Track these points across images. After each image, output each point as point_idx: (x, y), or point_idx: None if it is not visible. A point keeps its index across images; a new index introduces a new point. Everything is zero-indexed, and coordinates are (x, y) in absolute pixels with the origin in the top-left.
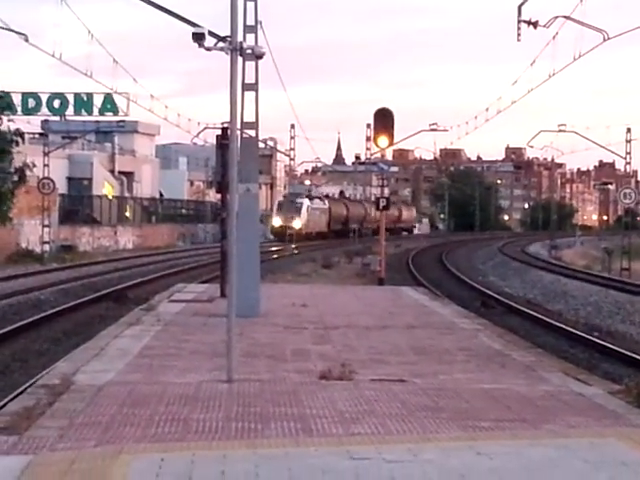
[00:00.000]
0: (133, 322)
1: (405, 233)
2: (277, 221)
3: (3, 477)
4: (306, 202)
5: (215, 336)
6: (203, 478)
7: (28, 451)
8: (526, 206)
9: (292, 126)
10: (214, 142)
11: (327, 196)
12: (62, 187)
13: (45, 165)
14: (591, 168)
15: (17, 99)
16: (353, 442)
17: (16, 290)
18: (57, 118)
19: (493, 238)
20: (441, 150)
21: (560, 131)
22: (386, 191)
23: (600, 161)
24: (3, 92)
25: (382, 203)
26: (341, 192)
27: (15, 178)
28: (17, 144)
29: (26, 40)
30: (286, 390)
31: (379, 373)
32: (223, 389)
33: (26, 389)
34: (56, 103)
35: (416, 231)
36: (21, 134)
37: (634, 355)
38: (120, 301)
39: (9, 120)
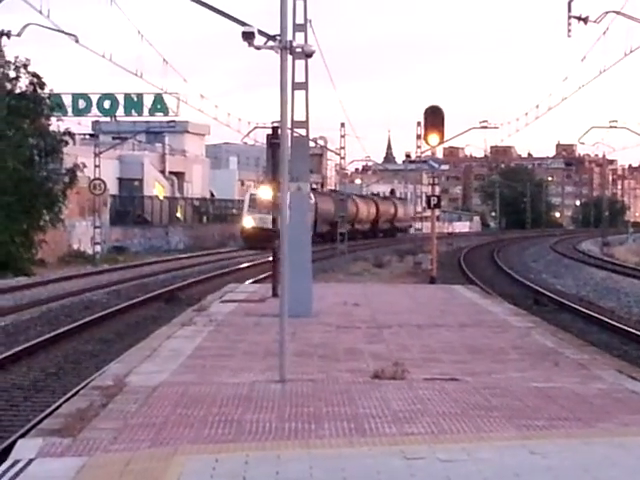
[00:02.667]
0: (185, 323)
1: (400, 234)
2: (248, 221)
3: (58, 479)
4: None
5: (267, 336)
6: (257, 479)
7: (82, 453)
8: (577, 203)
9: (342, 125)
10: (264, 141)
11: (313, 189)
12: (113, 188)
13: (96, 166)
14: None
15: (68, 100)
16: (407, 442)
17: (68, 291)
18: (108, 119)
19: (544, 235)
20: (491, 147)
21: (611, 127)
22: (437, 189)
23: None
24: (52, 93)
25: (433, 201)
26: (392, 191)
27: (66, 179)
28: (67, 144)
29: (76, 41)
30: (339, 390)
31: (432, 372)
32: (276, 389)
33: (79, 391)
34: (106, 104)
35: (465, 229)
36: (71, 134)
37: None
38: (172, 302)
39: (58, 120)
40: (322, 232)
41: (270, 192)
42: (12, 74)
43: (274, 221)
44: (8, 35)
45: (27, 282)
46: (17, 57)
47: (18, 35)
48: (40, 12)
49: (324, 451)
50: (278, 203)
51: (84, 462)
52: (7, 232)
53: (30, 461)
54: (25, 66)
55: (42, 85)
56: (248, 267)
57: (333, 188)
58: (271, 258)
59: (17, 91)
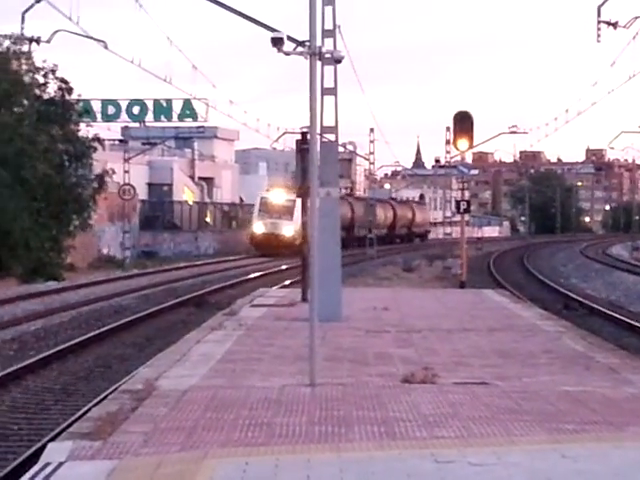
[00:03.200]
0: (215, 327)
1: (418, 240)
2: (259, 227)
3: None
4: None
5: (297, 340)
6: None
7: (112, 456)
8: (607, 208)
9: (371, 130)
10: (294, 147)
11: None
12: (142, 193)
13: (125, 171)
14: None
15: (97, 106)
16: (437, 445)
17: (98, 296)
18: (137, 124)
19: (574, 240)
20: (521, 152)
21: None
22: (466, 194)
23: None
24: (81, 99)
25: (463, 206)
26: (421, 196)
27: (95, 185)
28: (95, 150)
29: (105, 47)
30: (369, 394)
31: (462, 376)
32: (306, 393)
33: (109, 394)
34: (135, 109)
35: (494, 234)
36: (99, 140)
37: None
38: (202, 306)
39: (88, 126)
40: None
41: (283, 195)
42: (41, 80)
43: (303, 226)
44: (38, 41)
45: (57, 287)
46: (44, 61)
47: (48, 41)
48: (69, 18)
49: (354, 455)
50: (302, 208)
51: (114, 465)
52: (37, 237)
53: (60, 464)
54: (53, 72)
55: (70, 90)
56: (277, 272)
57: (348, 192)
58: (300, 263)
59: (46, 97)
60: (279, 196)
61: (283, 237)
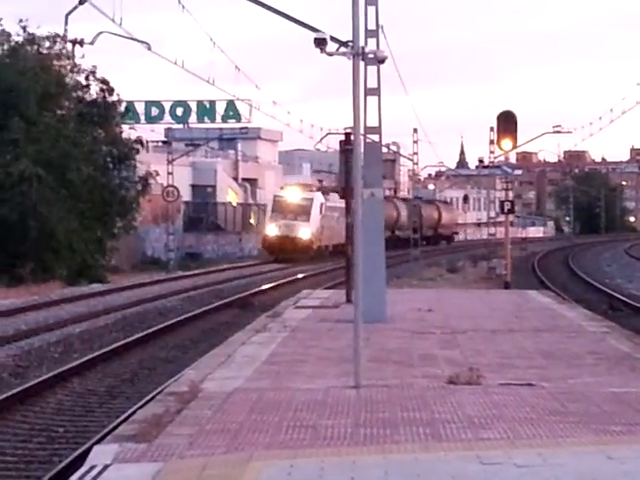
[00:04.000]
0: (260, 329)
1: (444, 242)
2: (272, 229)
3: None
4: (318, 198)
5: (342, 342)
6: None
7: (158, 458)
8: None
9: (415, 130)
10: (337, 147)
11: None
12: (186, 195)
13: (169, 173)
14: None
15: (140, 108)
16: (482, 447)
17: (142, 298)
18: (180, 126)
19: (619, 240)
20: (565, 152)
21: None
22: (510, 194)
23: None
24: (123, 100)
25: (507, 206)
26: (465, 196)
27: (139, 187)
28: (138, 152)
29: (149, 49)
30: (414, 395)
31: (507, 377)
32: (351, 395)
33: (154, 397)
34: (179, 111)
35: (538, 234)
36: (142, 142)
37: None
38: (246, 308)
39: (131, 128)
40: None
41: (298, 194)
42: (83, 81)
43: (321, 228)
44: (81, 43)
45: (101, 289)
46: (82, 57)
47: (91, 43)
48: (113, 20)
49: (400, 456)
50: (319, 208)
51: (160, 468)
52: (81, 239)
53: (106, 467)
54: (93, 73)
55: (111, 91)
56: (321, 273)
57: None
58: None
59: (87, 98)
60: (294, 195)
61: (299, 240)
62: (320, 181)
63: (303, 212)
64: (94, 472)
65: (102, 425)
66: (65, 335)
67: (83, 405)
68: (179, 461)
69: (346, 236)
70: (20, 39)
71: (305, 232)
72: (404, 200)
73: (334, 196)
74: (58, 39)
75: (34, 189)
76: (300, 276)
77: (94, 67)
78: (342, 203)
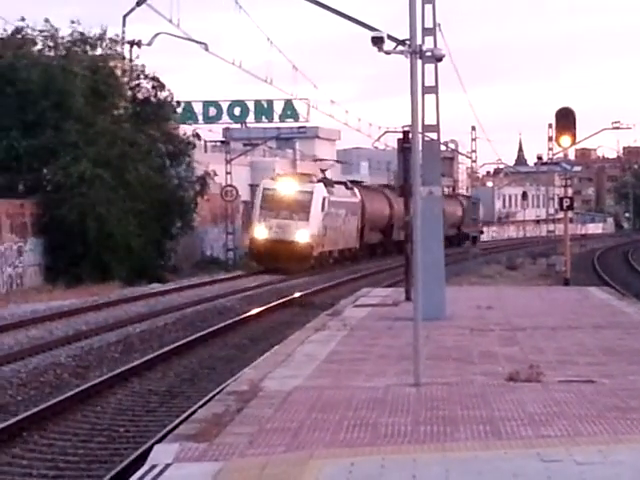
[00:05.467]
0: (319, 327)
1: (467, 243)
2: (261, 231)
3: None
4: (320, 191)
5: (401, 340)
6: None
7: (219, 458)
8: None
9: (473, 128)
10: (395, 146)
11: (354, 182)
12: (245, 194)
13: (227, 173)
14: None
15: (198, 108)
16: (543, 444)
17: (202, 298)
18: (238, 125)
19: None
20: (624, 148)
21: None
22: (569, 191)
23: None
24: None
25: (566, 203)
26: (524, 194)
27: (197, 187)
28: (194, 147)
29: (206, 49)
30: (474, 393)
31: (567, 374)
32: (411, 393)
33: (214, 396)
34: (237, 111)
35: (598, 230)
36: (198, 136)
37: None
38: (306, 307)
39: (187, 124)
40: (373, 243)
41: (294, 186)
42: (135, 81)
43: (324, 229)
44: (139, 44)
45: (161, 289)
46: (136, 63)
47: (149, 44)
48: (170, 21)
49: (460, 454)
50: (321, 205)
51: (221, 467)
52: (140, 240)
53: (167, 466)
54: (143, 71)
55: (162, 87)
56: (379, 272)
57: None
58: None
59: (140, 97)
60: (289, 187)
61: (295, 245)
62: (323, 170)
63: (300, 209)
64: (155, 471)
65: (162, 425)
66: (125, 335)
67: (143, 405)
68: (239, 460)
69: (405, 234)
70: (73, 40)
71: (303, 234)
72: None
73: (340, 189)
74: (113, 40)
75: (93, 190)
76: (359, 275)
77: (143, 66)
78: (351, 197)
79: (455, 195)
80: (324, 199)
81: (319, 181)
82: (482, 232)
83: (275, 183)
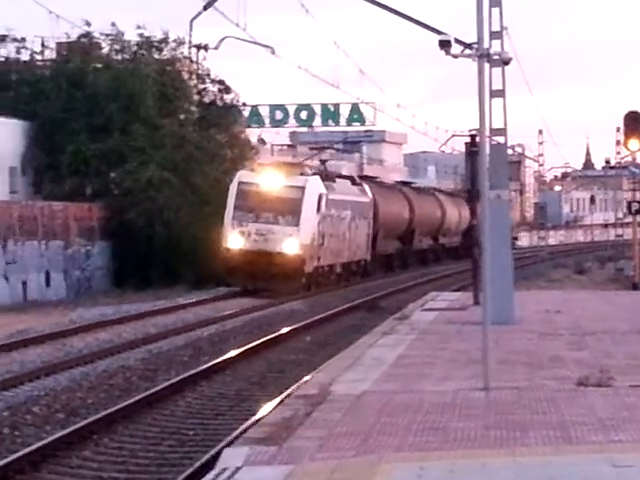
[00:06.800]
0: (387, 331)
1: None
2: (235, 239)
3: None
4: (314, 186)
5: (470, 344)
6: None
7: (288, 461)
8: None
9: (540, 132)
10: (462, 149)
11: (364, 177)
12: None
13: None
14: None
15: (265, 111)
16: (614, 449)
17: (270, 302)
18: (305, 129)
19: None
20: None
21: None
22: (638, 195)
23: None
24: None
25: (634, 207)
26: (592, 197)
27: None
28: (257, 152)
29: (273, 53)
30: (543, 397)
31: (638, 379)
32: (480, 397)
33: (283, 400)
34: (303, 114)
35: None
36: (263, 140)
37: None
38: (374, 311)
39: (251, 127)
40: (388, 253)
41: (279, 179)
42: (200, 85)
43: (322, 236)
44: (206, 48)
45: (228, 292)
46: (202, 66)
47: (215, 48)
48: (237, 25)
49: (530, 459)
50: (317, 206)
51: (290, 470)
52: (207, 243)
53: (237, 469)
54: (208, 75)
55: (228, 90)
56: (445, 276)
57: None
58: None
59: (206, 101)
60: (274, 180)
61: (281, 258)
62: (323, 162)
63: (288, 210)
64: (225, 475)
65: (232, 428)
66: (193, 338)
67: (212, 408)
68: (309, 464)
69: (473, 238)
70: (139, 44)
71: (291, 244)
72: (449, 195)
73: (344, 184)
74: (179, 43)
75: (161, 194)
76: (426, 279)
77: (208, 69)
78: (360, 195)
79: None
80: (320, 197)
81: (314, 174)
82: (516, 239)
83: (255, 176)
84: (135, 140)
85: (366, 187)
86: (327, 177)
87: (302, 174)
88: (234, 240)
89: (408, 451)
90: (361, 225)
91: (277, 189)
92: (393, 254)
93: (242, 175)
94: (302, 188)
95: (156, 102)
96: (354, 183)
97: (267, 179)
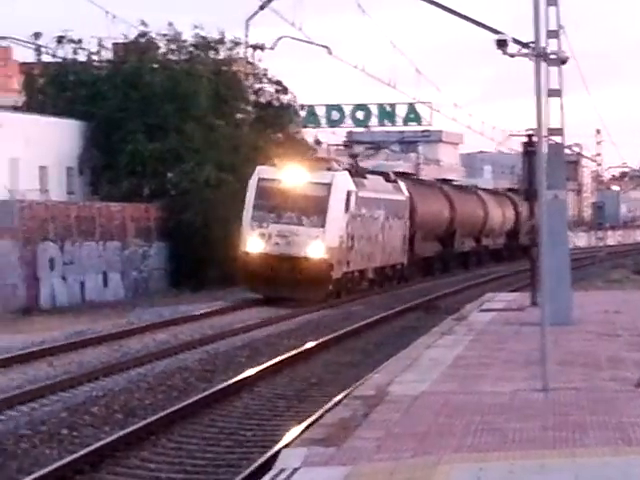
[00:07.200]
0: (445, 332)
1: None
2: (255, 243)
3: None
4: (342, 183)
5: (528, 345)
6: None
7: (346, 462)
8: None
9: (597, 131)
10: (519, 149)
11: (401, 173)
12: None
13: None
14: None
15: (321, 111)
16: None
17: (327, 303)
18: (361, 129)
19: None
20: None
21: None
22: None
23: None
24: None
25: None
26: None
27: None
28: (314, 152)
29: (329, 53)
30: (602, 398)
31: None
32: (538, 398)
33: (341, 400)
34: (360, 114)
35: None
36: (318, 141)
37: None
38: (431, 311)
39: (306, 127)
40: (427, 256)
41: (304, 175)
42: (257, 85)
43: (351, 237)
44: (262, 48)
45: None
46: (259, 67)
47: (272, 48)
48: (293, 25)
49: (589, 460)
50: (345, 204)
51: (348, 471)
52: None
53: (295, 470)
54: (265, 75)
55: (285, 91)
56: (504, 276)
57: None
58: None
59: (262, 101)
60: (297, 177)
61: (304, 262)
62: (354, 156)
63: (313, 209)
64: (283, 475)
65: (290, 429)
66: (251, 339)
67: (270, 409)
68: (367, 465)
69: (530, 238)
70: (196, 44)
71: (317, 247)
72: (491, 192)
73: (377, 181)
74: (235, 43)
75: (218, 195)
76: (484, 280)
77: (265, 70)
78: (394, 193)
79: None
80: (349, 194)
81: (344, 170)
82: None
83: (276, 171)
84: (190, 141)
85: (401, 184)
86: (357, 173)
87: (329, 169)
88: (253, 243)
89: (466, 452)
90: (396, 226)
91: (301, 186)
92: (433, 257)
93: (262, 170)
94: (328, 185)
95: (211, 102)
96: (388, 180)
97: (290, 175)
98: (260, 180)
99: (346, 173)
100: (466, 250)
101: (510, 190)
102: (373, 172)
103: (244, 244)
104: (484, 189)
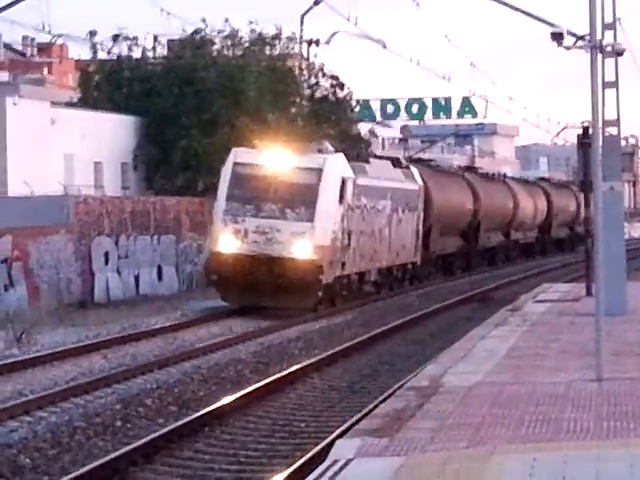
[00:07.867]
0: (499, 323)
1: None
2: (228, 241)
3: (377, 479)
4: (335, 167)
5: (583, 335)
6: (576, 478)
7: (400, 453)
8: None
9: None
10: (574, 141)
11: (416, 160)
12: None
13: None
14: None
15: (376, 105)
16: None
17: (380, 295)
18: (416, 122)
19: None
20: None
21: None
22: None
23: None
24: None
25: None
26: None
27: None
28: (369, 145)
29: (384, 47)
30: None
31: None
32: (593, 388)
33: (395, 391)
34: (414, 108)
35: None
36: (373, 132)
37: None
38: (485, 302)
39: (365, 122)
40: (448, 253)
41: (290, 158)
42: (312, 79)
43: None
44: (317, 43)
45: None
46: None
47: (327, 43)
48: (348, 19)
49: None
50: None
51: (402, 462)
52: None
53: (349, 461)
54: (322, 69)
55: (342, 86)
56: (556, 268)
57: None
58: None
59: (318, 95)
60: (280, 160)
61: (288, 265)
62: (369, 142)
63: (300, 199)
64: (337, 466)
65: (343, 420)
66: (305, 332)
67: (324, 400)
68: (421, 455)
69: (585, 230)
70: (251, 40)
71: (303, 246)
72: (521, 182)
73: (383, 166)
74: (290, 39)
75: None
76: (536, 271)
77: (322, 64)
78: (405, 182)
79: (567, 185)
80: (344, 182)
81: (337, 152)
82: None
83: (256, 155)
84: (243, 135)
85: (414, 171)
86: (357, 156)
87: (320, 151)
88: (226, 242)
89: (520, 442)
90: (406, 219)
91: (285, 172)
92: (453, 254)
93: (238, 153)
94: (319, 170)
95: (265, 98)
96: (396, 165)
97: (272, 159)
98: (235, 165)
99: (341, 156)
100: (493, 245)
101: (542, 180)
102: (380, 157)
103: (215, 243)
104: (513, 178)
